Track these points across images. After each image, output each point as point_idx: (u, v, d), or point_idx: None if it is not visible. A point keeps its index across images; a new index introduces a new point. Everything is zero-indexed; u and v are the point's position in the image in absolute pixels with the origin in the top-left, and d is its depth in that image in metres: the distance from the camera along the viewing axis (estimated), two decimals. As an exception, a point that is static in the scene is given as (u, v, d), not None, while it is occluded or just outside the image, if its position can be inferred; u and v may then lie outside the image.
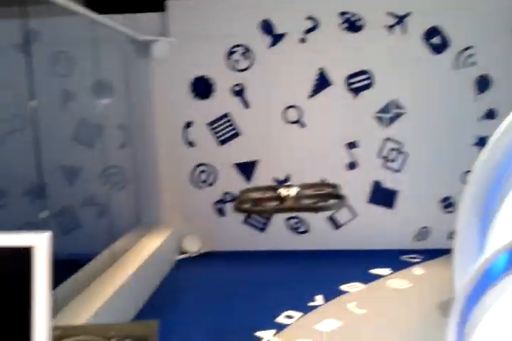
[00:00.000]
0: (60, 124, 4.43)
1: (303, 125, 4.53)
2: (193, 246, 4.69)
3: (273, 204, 2.46)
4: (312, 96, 4.48)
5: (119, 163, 4.58)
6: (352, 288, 3.69)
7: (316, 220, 4.60)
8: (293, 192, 2.41)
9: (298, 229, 4.66)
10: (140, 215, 4.65)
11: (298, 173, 4.53)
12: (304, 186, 2.63)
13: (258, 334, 2.99)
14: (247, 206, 2.52)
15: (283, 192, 2.43)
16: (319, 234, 4.63)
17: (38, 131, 3.12)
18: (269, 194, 2.59)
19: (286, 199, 2.39)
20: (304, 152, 4.53)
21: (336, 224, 4.63)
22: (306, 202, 2.45)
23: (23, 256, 0.84)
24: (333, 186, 2.66)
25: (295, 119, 4.53)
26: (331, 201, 2.45)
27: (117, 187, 4.58)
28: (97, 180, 4.49)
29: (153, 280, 3.88)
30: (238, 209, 2.49)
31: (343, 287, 3.69)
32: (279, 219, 4.64)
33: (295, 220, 4.64)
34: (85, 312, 2.67)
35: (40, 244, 0.85)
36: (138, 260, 3.68)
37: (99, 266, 3.43)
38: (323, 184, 2.72)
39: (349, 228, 4.60)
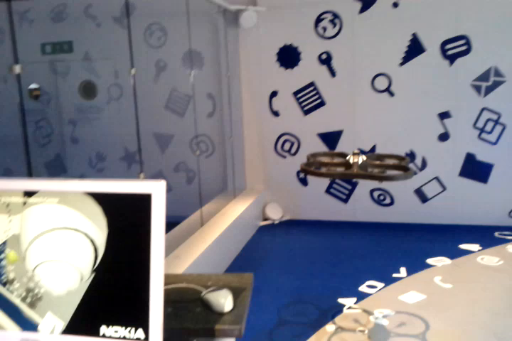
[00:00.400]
0: (154, 94, 4.64)
1: (392, 94, 4.37)
2: (276, 214, 4.78)
3: (339, 169, 2.49)
4: (403, 63, 4.30)
5: (207, 132, 4.74)
6: (439, 262, 3.59)
7: (402, 193, 4.49)
8: (360, 160, 2.44)
9: (382, 201, 4.58)
10: (226, 182, 4.81)
11: (384, 145, 4.42)
12: (374, 156, 2.63)
13: (341, 300, 3.03)
14: (313, 168, 2.55)
15: (351, 159, 2.46)
16: (405, 207, 4.52)
17: (136, 99, 3.28)
18: (337, 159, 2.62)
19: (352, 166, 2.42)
20: (392, 122, 4.40)
21: (423, 197, 4.49)
22: (373, 171, 2.45)
23: (144, 201, 0.92)
24: (402, 158, 2.62)
25: (384, 88, 4.38)
26: (396, 172, 2.42)
27: (205, 154, 4.74)
28: (187, 147, 4.68)
29: (237, 244, 4.03)
30: (304, 170, 2.54)
31: (430, 260, 3.61)
32: (363, 191, 4.58)
33: (379, 192, 4.56)
34: (178, 268, 2.85)
35: (157, 191, 0.93)
36: (224, 223, 3.83)
37: (190, 227, 3.62)
38: (392, 155, 2.66)
39: (437, 202, 4.44)
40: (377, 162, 2.53)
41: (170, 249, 3.19)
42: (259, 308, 2.93)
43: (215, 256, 3.41)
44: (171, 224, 3.48)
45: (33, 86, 4.76)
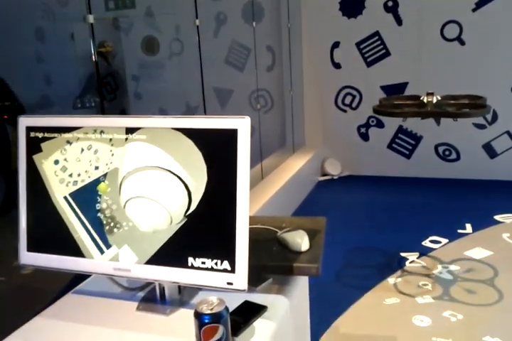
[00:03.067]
0: (214, 48, 4.61)
1: (463, 42, 4.12)
2: (335, 169, 4.75)
3: (413, 108, 2.43)
4: (476, 9, 4.00)
5: (267, 86, 4.69)
6: (507, 218, 3.47)
7: (469, 148, 4.31)
8: (435, 99, 2.38)
9: (448, 156, 4.42)
10: (285, 137, 4.80)
11: (453, 97, 4.21)
12: (448, 96, 2.53)
13: (403, 254, 3.02)
14: (386, 108, 2.50)
15: (425, 98, 2.41)
16: (472, 162, 4.35)
17: (201, 53, 3.28)
18: (410, 101, 2.55)
19: (426, 105, 2.38)
20: (461, 73, 4.16)
21: (491, 152, 4.29)
22: (448, 109, 2.38)
23: (231, 136, 0.95)
24: (479, 97, 2.52)
25: (454, 36, 4.12)
26: (472, 109, 2.38)
27: (265, 109, 4.72)
28: (246, 102, 4.67)
29: (296, 199, 4.06)
30: (377, 110, 2.49)
31: (497, 217, 3.50)
32: (427, 146, 4.44)
33: (444, 147, 4.40)
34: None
35: (242, 127, 0.95)
36: (283, 178, 3.85)
37: (250, 181, 3.67)
38: (468, 95, 2.55)
39: (507, 157, 4.24)
40: (452, 101, 2.45)
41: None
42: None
43: (275, 209, 3.46)
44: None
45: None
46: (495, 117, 4.18)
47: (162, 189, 1.04)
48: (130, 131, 1.07)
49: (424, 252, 3.04)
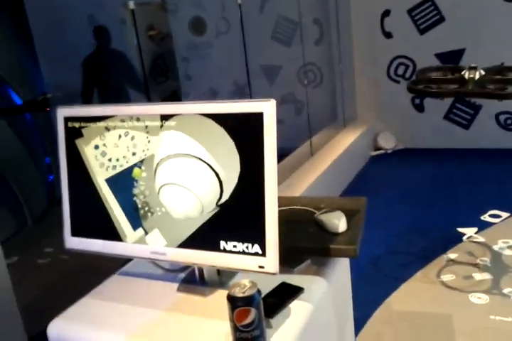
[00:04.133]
0: (260, 24, 4.54)
1: (526, 2, 3.81)
2: (389, 143, 4.61)
3: (453, 86, 2.10)
4: (542, -37, 3.68)
5: (315, 60, 4.58)
6: None
7: (535, 115, 4.04)
8: (478, 75, 2.03)
9: (510, 125, 4.17)
10: (336, 111, 4.70)
11: (515, 61, 3.93)
12: (495, 69, 2.16)
13: (460, 230, 2.92)
14: (421, 86, 2.22)
15: (466, 74, 2.06)
16: (537, 131, 4.08)
17: (244, 31, 3.24)
18: (450, 74, 2.20)
19: (468, 83, 2.04)
20: (524, 36, 3.87)
21: (560, 120, 4.01)
22: (491, 87, 2.05)
23: (257, 119, 0.94)
24: None
25: (516, -4, 3.82)
26: None
27: (314, 84, 4.63)
28: (294, 77, 4.60)
29: (348, 174, 4.00)
30: (411, 89, 2.23)
31: None
32: (487, 115, 4.20)
33: (506, 115, 4.14)
34: (289, 194, 2.93)
35: (268, 110, 0.94)
36: (334, 154, 3.80)
37: (300, 157, 3.65)
38: None
39: None
40: (499, 76, 2.11)
41: (281, 178, 3.26)
42: (371, 238, 2.94)
43: (325, 186, 3.43)
44: (280, 156, 3.52)
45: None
46: None
47: (193, 177, 1.05)
48: (165, 118, 1.09)
49: (483, 227, 2.92)
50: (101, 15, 4.42)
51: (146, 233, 1.13)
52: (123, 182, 1.14)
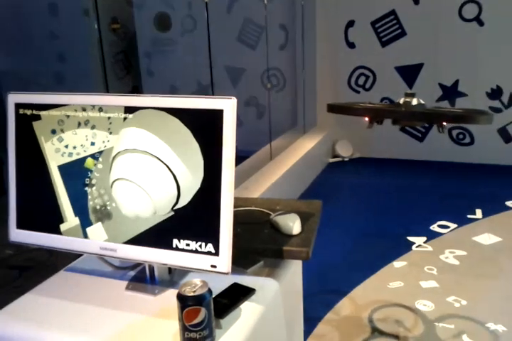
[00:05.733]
0: (226, 25, 4.54)
1: (481, 23, 3.98)
2: (346, 151, 4.70)
3: (381, 106, 1.92)
4: (498, -13, 3.86)
5: (279, 65, 4.61)
6: (518, 204, 3.41)
7: (484, 132, 4.21)
8: (415, 101, 1.74)
9: (461, 140, 4.34)
10: (296, 117, 4.74)
11: (469, 79, 4.10)
12: (436, 108, 1.97)
13: (410, 238, 2.99)
14: (344, 104, 1.97)
15: (402, 99, 1.76)
16: (486, 146, 4.26)
17: (209, 31, 3.22)
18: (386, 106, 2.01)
19: (400, 106, 1.75)
20: (478, 55, 4.04)
21: (507, 137, 4.19)
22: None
23: (217, 116, 0.92)
24: (482, 112, 1.81)
25: (472, 16, 3.98)
26: (475, 115, 1.73)
27: (276, 88, 4.66)
28: (258, 81, 4.61)
29: (305, 179, 4.04)
30: (331, 106, 1.94)
31: (509, 203, 3.43)
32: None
33: (458, 131, 4.31)
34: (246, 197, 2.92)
35: (229, 108, 0.92)
36: (293, 159, 3.82)
37: (259, 161, 3.66)
38: (467, 110, 1.92)
39: (523, 142, 4.14)
40: (440, 108, 1.90)
41: (239, 180, 3.26)
42: (324, 243, 2.97)
43: (283, 190, 3.45)
44: (240, 158, 3.52)
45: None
46: (511, 101, 4.07)
47: (150, 176, 1.02)
48: (129, 110, 1.05)
49: (431, 237, 3.01)
50: (64, 4, 4.29)
51: (89, 225, 1.09)
52: (76, 171, 1.10)
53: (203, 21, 3.48)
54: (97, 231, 1.08)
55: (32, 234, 1.13)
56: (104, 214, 1.08)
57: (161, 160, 1.01)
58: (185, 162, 0.99)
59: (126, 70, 5.03)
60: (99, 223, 1.08)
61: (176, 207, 1.01)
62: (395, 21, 4.22)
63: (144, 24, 4.87)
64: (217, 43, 3.90)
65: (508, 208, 3.37)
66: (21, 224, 1.14)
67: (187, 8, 4.66)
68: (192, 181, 0.99)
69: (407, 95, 1.75)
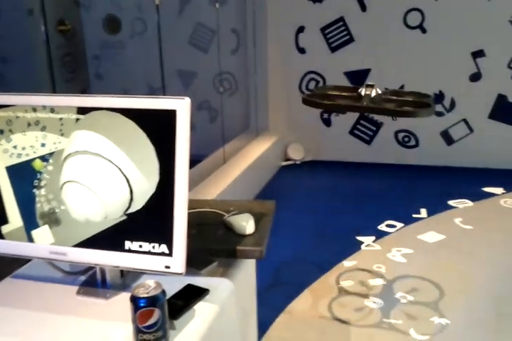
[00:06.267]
0: (177, 28, 4.51)
1: (424, 31, 4.17)
2: (298, 154, 4.78)
3: (346, 101, 2.11)
4: (439, -3, 4.05)
5: (231, 69, 4.64)
6: (460, 204, 3.58)
7: (428, 135, 4.41)
8: (374, 93, 2.02)
9: (407, 142, 4.51)
10: (249, 121, 4.78)
11: (414, 83, 4.27)
12: (391, 91, 2.24)
13: (359, 238, 3.08)
14: (315, 99, 2.19)
15: (363, 91, 2.05)
16: (430, 149, 4.45)
17: (160, 33, 3.20)
18: (347, 92, 2.20)
19: (362, 99, 2.03)
20: (422, 61, 4.22)
21: (449, 140, 4.40)
22: (386, 105, 2.06)
23: (170, 116, 0.93)
24: (426, 95, 2.22)
25: (416, 24, 4.16)
26: (414, 108, 2.06)
27: (228, 92, 4.68)
28: (210, 85, 4.62)
29: (258, 182, 4.07)
30: (305, 100, 2.17)
31: (451, 202, 3.60)
32: (386, 133, 4.51)
33: (404, 134, 4.48)
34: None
35: (182, 108, 0.93)
36: (246, 162, 3.85)
37: (212, 165, 3.66)
38: (414, 92, 2.24)
39: (464, 144, 4.36)
40: (394, 97, 2.16)
41: (193, 184, 3.25)
42: (277, 243, 3.01)
43: (236, 192, 3.46)
44: (193, 162, 3.51)
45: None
46: (453, 105, 4.28)
47: (101, 179, 1.01)
48: (81, 111, 1.04)
49: (379, 236, 3.12)
50: (5, 2, 4.13)
51: (35, 228, 1.07)
52: (25, 173, 1.07)
53: (153, 24, 3.45)
54: (43, 234, 1.06)
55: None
56: (52, 217, 1.05)
57: (113, 163, 1.00)
58: (139, 165, 0.99)
59: (73, 73, 4.91)
60: (46, 226, 1.06)
61: (128, 211, 1.00)
62: (343, 28, 4.35)
63: (92, 26, 4.77)
64: (169, 46, 3.88)
65: (450, 207, 3.53)
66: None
67: (137, 10, 4.60)
68: (146, 185, 0.98)
69: (367, 86, 2.03)
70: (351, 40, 4.35)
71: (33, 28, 3.83)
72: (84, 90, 4.93)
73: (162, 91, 3.59)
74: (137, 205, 0.99)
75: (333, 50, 4.43)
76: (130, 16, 4.63)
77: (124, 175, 0.99)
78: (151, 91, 4.73)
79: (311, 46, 4.48)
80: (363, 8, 4.24)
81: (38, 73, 3.66)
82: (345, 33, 4.35)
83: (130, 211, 1.00)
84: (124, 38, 4.73)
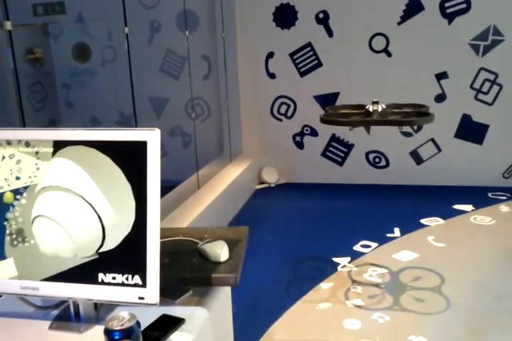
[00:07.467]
0: (148, 56, 4.56)
1: (389, 54, 4.32)
2: (272, 177, 4.81)
3: (359, 117, 2.54)
4: (401, 22, 4.22)
5: (203, 95, 4.69)
6: (432, 222, 3.65)
7: (398, 155, 4.51)
8: (380, 108, 2.49)
9: (378, 163, 4.60)
10: (222, 146, 4.81)
11: (381, 106, 4.40)
12: (393, 105, 2.66)
13: (335, 259, 3.10)
14: (333, 117, 2.63)
15: (370, 107, 2.51)
16: (400, 168, 4.55)
17: (130, 61, 3.22)
18: (356, 110, 2.66)
19: (372, 114, 2.47)
20: (388, 83, 4.36)
21: (418, 159, 4.52)
22: (392, 117, 2.51)
23: (140, 148, 0.94)
24: (422, 106, 2.67)
25: (381, 48, 4.32)
26: (417, 118, 2.53)
27: (201, 118, 4.72)
28: (182, 111, 4.65)
29: (233, 207, 4.08)
30: (324, 120, 2.59)
31: (423, 221, 3.67)
32: (358, 154, 4.60)
33: (374, 154, 4.58)
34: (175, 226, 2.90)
35: (152, 139, 0.95)
36: (220, 187, 3.86)
37: (186, 190, 3.66)
38: (411, 104, 2.71)
39: (432, 163, 4.47)
40: (396, 110, 2.58)
41: (167, 210, 3.23)
42: (254, 268, 3.01)
43: (211, 218, 3.46)
44: (167, 188, 3.50)
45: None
46: (420, 125, 4.40)
47: (72, 215, 1.00)
48: (58, 145, 1.04)
49: (355, 256, 3.14)
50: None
51: (1, 259, 1.05)
52: (-1, 204, 1.06)
53: (123, 51, 3.48)
54: (8, 266, 1.04)
55: None
56: (20, 250, 1.04)
57: (86, 200, 0.99)
58: (114, 204, 0.98)
59: (43, 102, 4.88)
60: (11, 259, 1.04)
61: (101, 250, 1.00)
62: (311, 53, 4.47)
63: (61, 54, 4.78)
64: (140, 73, 3.91)
65: (422, 225, 3.60)
66: None
67: (107, 38, 4.63)
68: (121, 224, 0.98)
69: (373, 103, 2.50)
70: (320, 64, 4.47)
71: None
72: (54, 119, 4.90)
73: (133, 118, 3.60)
74: (110, 244, 0.99)
75: (303, 74, 4.54)
76: (100, 44, 4.66)
77: (97, 213, 0.99)
78: (123, 119, 4.73)
79: (281, 71, 4.58)
80: (330, 33, 4.38)
81: (5, 103, 3.63)
82: (313, 57, 4.47)
83: (103, 250, 1.00)
84: (94, 65, 4.75)
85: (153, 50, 4.62)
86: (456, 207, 3.93)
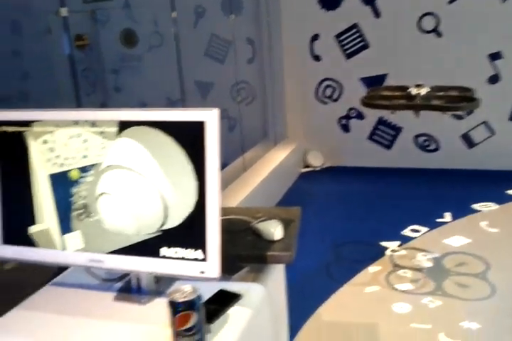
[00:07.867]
0: (193, 41, 4.58)
1: (440, 34, 4.16)
2: (317, 161, 4.78)
3: (401, 101, 2.43)
4: (453, 1, 4.05)
5: (248, 78, 4.69)
6: (485, 207, 3.54)
7: (448, 138, 4.38)
8: (423, 91, 2.36)
9: (427, 146, 4.48)
10: (267, 129, 4.81)
11: (431, 88, 4.26)
12: (437, 87, 2.53)
13: (383, 244, 3.07)
14: (374, 101, 2.53)
15: (413, 90, 2.39)
16: (451, 152, 4.41)
17: (179, 46, 3.25)
18: (398, 92, 2.53)
19: (415, 98, 2.36)
20: (439, 64, 4.21)
21: (470, 143, 4.37)
22: (436, 102, 2.38)
23: (200, 128, 0.95)
24: (468, 89, 2.52)
25: (431, 28, 4.16)
26: (462, 103, 2.40)
27: (246, 101, 4.72)
28: (228, 94, 4.67)
29: (279, 190, 4.09)
30: (365, 103, 2.50)
31: (475, 206, 3.56)
32: (406, 137, 4.49)
33: (424, 138, 4.46)
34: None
35: (211, 119, 0.96)
36: (266, 170, 3.88)
37: (232, 173, 3.69)
38: (456, 87, 2.55)
39: (485, 147, 4.31)
40: (441, 93, 2.45)
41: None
42: (300, 251, 3.01)
43: (258, 199, 3.49)
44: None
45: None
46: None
47: (135, 194, 1.04)
48: (122, 125, 1.07)
49: (404, 241, 3.09)
50: (27, 21, 4.25)
51: (68, 232, 1.10)
52: (65, 182, 1.11)
53: (169, 37, 3.51)
54: (74, 239, 1.09)
55: (18, 248, 1.13)
56: (86, 225, 1.09)
57: (149, 180, 1.02)
58: (176, 183, 1.00)
59: (93, 87, 5.01)
60: (79, 231, 1.09)
61: (163, 228, 1.03)
62: (358, 34, 4.36)
63: (109, 40, 4.88)
64: (186, 58, 3.94)
65: (474, 211, 3.49)
66: (8, 239, 1.13)
67: (153, 24, 4.69)
68: (183, 203, 1.00)
69: (417, 86, 2.39)
70: (366, 46, 4.37)
71: (51, 45, 3.93)
72: (105, 103, 5.03)
73: (180, 103, 3.64)
74: (173, 222, 1.01)
75: (349, 56, 4.45)
76: (147, 30, 4.72)
77: (160, 193, 1.02)
78: (170, 103, 4.80)
79: (326, 53, 4.50)
80: (377, 14, 4.26)
81: (60, 88, 3.75)
82: (359, 39, 4.37)
83: (165, 227, 1.02)
84: (141, 51, 4.82)
85: (198, 34, 4.64)
86: (510, 192, 3.78)
